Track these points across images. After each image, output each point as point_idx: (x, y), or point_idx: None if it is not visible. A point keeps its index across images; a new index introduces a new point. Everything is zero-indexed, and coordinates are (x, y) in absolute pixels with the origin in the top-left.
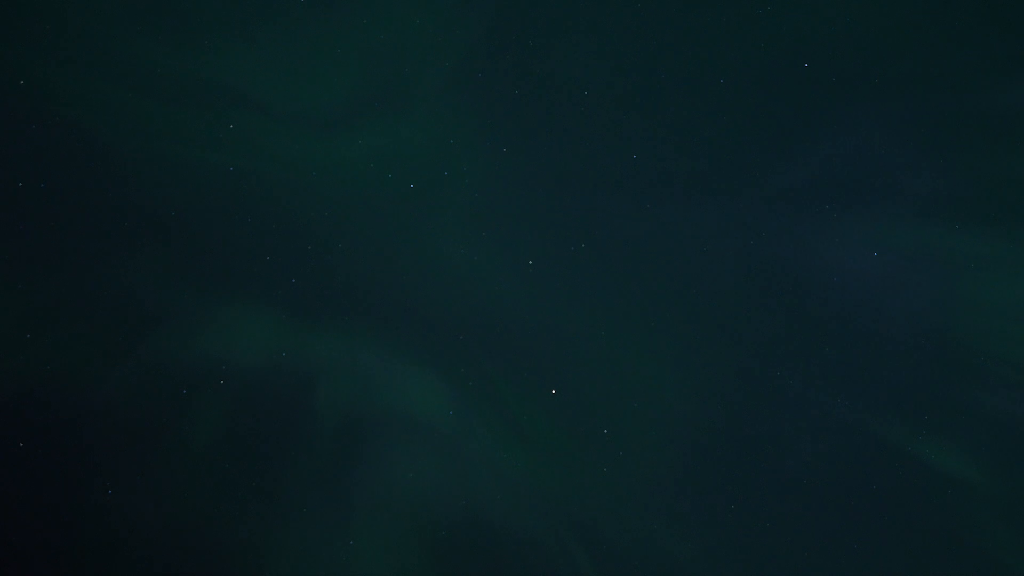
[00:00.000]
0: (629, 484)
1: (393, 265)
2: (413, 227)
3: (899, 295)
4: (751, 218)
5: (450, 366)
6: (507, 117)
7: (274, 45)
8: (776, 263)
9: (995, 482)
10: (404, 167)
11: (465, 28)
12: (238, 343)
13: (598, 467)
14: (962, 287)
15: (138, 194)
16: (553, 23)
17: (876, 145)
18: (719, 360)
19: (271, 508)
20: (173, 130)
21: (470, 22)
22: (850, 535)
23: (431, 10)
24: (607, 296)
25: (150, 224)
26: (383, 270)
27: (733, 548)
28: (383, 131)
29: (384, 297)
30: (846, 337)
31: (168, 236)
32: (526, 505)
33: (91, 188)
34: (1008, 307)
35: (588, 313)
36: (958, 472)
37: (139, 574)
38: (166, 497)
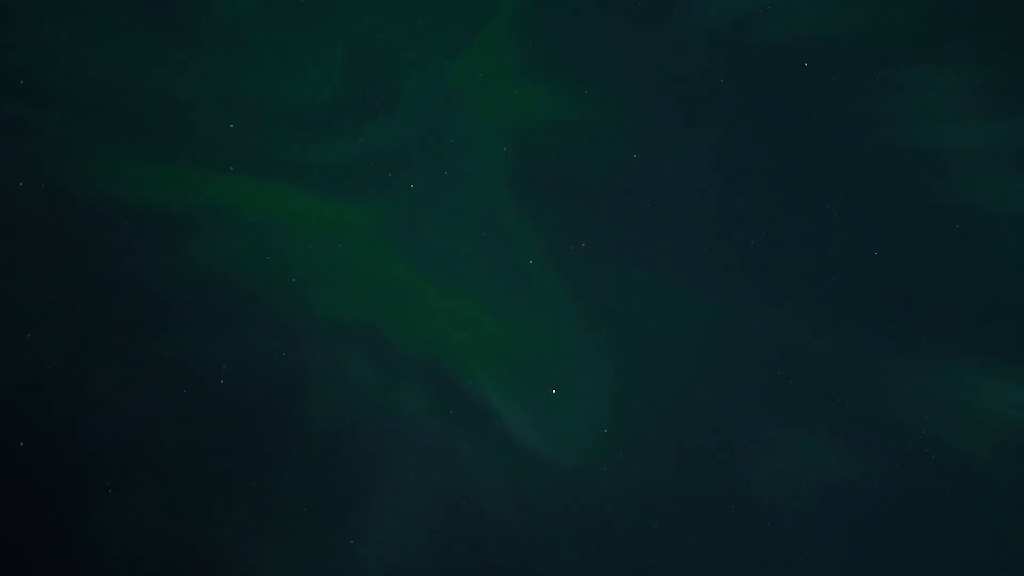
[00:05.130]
0: (628, 484)
1: (393, 265)
2: (413, 227)
3: (899, 292)
4: (751, 217)
5: (450, 366)
6: (507, 117)
7: (274, 45)
8: (776, 262)
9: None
10: (404, 167)
11: (465, 28)
12: (238, 343)
13: (598, 467)
14: (962, 285)
15: (138, 194)
16: (553, 22)
17: (875, 144)
18: (719, 359)
19: (271, 507)
20: (174, 131)
21: (470, 22)
22: (854, 534)
23: (432, 10)
24: (607, 295)
25: (150, 224)
26: (383, 270)
27: (734, 547)
28: (382, 131)
29: (385, 297)
30: (846, 336)
31: (168, 236)
32: (526, 504)
33: (91, 188)
34: (1004, 305)
35: (588, 313)
36: (969, 465)
37: (139, 574)
38: (166, 496)
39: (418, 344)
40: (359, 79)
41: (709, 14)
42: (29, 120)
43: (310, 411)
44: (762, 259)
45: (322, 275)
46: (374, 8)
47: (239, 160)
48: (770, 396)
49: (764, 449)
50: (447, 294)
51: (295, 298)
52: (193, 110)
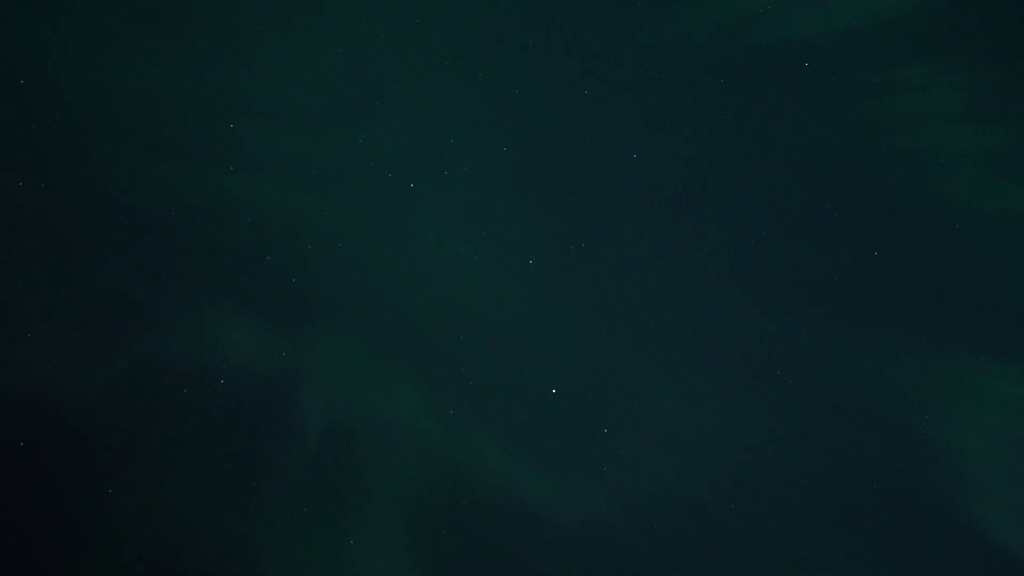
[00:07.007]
0: (627, 484)
1: (394, 265)
2: (413, 227)
3: (899, 292)
4: (751, 217)
5: (451, 366)
6: (507, 117)
7: (274, 44)
8: (776, 262)
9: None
10: (404, 167)
11: (465, 28)
12: (239, 343)
13: (598, 467)
14: (962, 285)
15: (139, 194)
16: (553, 23)
17: (875, 144)
18: (719, 358)
19: (271, 507)
20: (174, 131)
21: (470, 22)
22: (854, 532)
23: (431, 10)
24: (607, 295)
25: (151, 224)
26: (384, 270)
27: (733, 546)
28: (383, 131)
29: (385, 297)
30: (846, 336)
31: (169, 236)
32: (526, 504)
33: (92, 188)
34: (1004, 305)
35: (588, 312)
36: (968, 465)
37: (139, 573)
38: (166, 496)
39: (418, 344)
40: (359, 79)
41: (709, 14)
42: (29, 120)
43: (310, 411)
44: (762, 259)
45: (322, 275)
46: (374, 8)
47: (239, 160)
48: (770, 396)
49: (762, 447)
50: (447, 294)
51: (295, 298)
52: (193, 110)
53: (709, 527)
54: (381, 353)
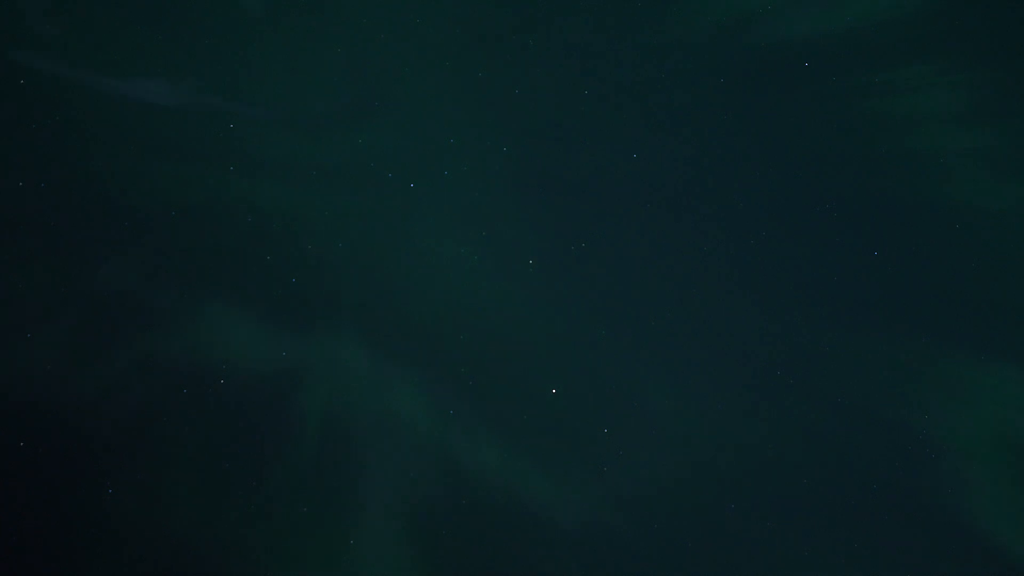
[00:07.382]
0: (629, 484)
1: (394, 265)
2: (413, 227)
3: (899, 292)
4: (751, 217)
5: (451, 366)
6: (507, 117)
7: (274, 44)
8: (776, 262)
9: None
10: (404, 167)
11: (465, 28)
12: (239, 343)
13: (598, 467)
14: (961, 285)
15: (139, 194)
16: (553, 23)
17: (875, 144)
18: (719, 358)
19: (271, 507)
20: (174, 131)
21: (470, 22)
22: (854, 532)
23: (431, 10)
24: (607, 295)
25: (151, 224)
26: (384, 270)
27: (733, 546)
28: (382, 131)
29: (385, 297)
30: (845, 336)
31: (169, 236)
32: (526, 504)
33: (92, 189)
34: (1003, 305)
35: (588, 312)
36: (960, 463)
37: (139, 574)
38: (166, 496)
39: (418, 344)
40: (359, 79)
41: (709, 14)
42: (29, 120)
43: (310, 411)
44: (762, 259)
45: (322, 275)
46: (374, 8)
47: (239, 160)
48: (769, 396)
49: (762, 447)
50: (447, 294)
51: (295, 298)
52: (193, 110)
53: (709, 527)
54: (381, 353)
